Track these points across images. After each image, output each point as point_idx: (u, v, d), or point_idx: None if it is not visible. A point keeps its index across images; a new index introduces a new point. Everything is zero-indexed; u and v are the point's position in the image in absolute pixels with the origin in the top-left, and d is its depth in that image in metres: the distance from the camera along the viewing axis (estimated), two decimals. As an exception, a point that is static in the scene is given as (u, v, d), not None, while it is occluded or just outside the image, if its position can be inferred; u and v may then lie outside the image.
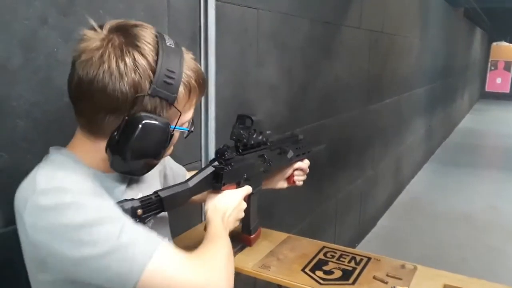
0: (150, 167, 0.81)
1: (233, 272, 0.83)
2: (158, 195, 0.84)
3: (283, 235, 1.44)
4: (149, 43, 0.72)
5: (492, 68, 11.96)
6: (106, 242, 0.68)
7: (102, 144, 0.77)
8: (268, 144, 1.12)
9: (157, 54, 0.72)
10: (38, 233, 0.68)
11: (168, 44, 0.74)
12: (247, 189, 1.04)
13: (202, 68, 1.57)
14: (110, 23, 0.74)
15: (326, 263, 1.28)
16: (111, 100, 0.70)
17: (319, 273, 1.22)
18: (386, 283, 1.17)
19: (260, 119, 1.04)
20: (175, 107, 0.75)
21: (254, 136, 1.05)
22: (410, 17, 4.40)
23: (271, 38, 1.99)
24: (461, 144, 7.69)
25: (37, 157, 1.04)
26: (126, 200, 0.78)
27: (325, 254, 1.34)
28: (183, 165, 1.57)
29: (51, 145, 1.07)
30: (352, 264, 1.28)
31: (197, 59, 1.56)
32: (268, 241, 1.38)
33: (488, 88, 12.25)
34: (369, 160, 3.69)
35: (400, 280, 1.17)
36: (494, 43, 12.18)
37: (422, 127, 5.71)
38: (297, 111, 2.32)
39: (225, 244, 0.87)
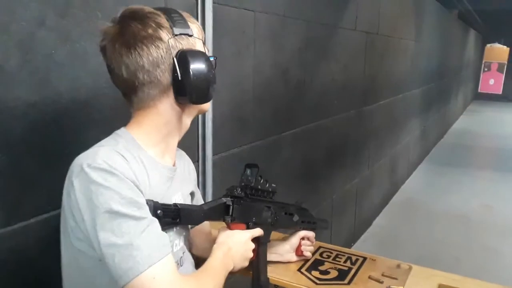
0: (213, 90, 0.94)
1: None
2: (177, 206, 0.92)
3: (279, 236, 1.45)
4: (148, 7, 0.88)
5: (486, 69, 12.01)
6: (122, 236, 0.76)
7: (165, 104, 0.90)
8: (273, 197, 1.18)
9: (159, 10, 0.88)
10: (79, 197, 0.78)
11: (158, 5, 0.93)
12: (256, 231, 1.10)
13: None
14: (115, 17, 0.88)
15: (322, 263, 1.29)
16: (157, 55, 0.85)
17: (315, 273, 1.23)
18: (382, 282, 1.18)
19: (264, 169, 1.15)
20: (196, 38, 0.91)
21: (261, 182, 1.13)
22: (405, 19, 4.43)
23: (268, 40, 2.00)
24: (456, 144, 7.74)
25: (34, 158, 1.05)
26: (152, 200, 0.85)
27: (321, 254, 1.34)
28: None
29: (48, 146, 1.08)
30: (348, 264, 1.29)
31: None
32: (265, 241, 1.39)
33: (481, 89, 12.28)
34: (365, 160, 3.71)
35: (396, 280, 1.18)
36: (488, 45, 12.24)
37: (417, 128, 5.74)
38: (294, 112, 2.33)
39: (216, 279, 0.93)
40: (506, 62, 11.69)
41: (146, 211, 0.81)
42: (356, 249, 3.20)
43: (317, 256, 1.33)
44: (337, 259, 1.32)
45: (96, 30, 1.05)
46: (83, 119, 1.15)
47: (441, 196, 4.87)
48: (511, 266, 3.31)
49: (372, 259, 1.31)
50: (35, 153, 1.05)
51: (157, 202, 0.87)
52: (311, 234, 1.33)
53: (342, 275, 1.22)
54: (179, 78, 0.86)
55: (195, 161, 1.64)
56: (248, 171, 1.12)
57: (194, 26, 0.91)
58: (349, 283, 1.19)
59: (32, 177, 1.05)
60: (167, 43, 0.85)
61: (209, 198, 1.70)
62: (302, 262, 1.29)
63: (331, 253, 1.36)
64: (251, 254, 1.07)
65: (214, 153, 1.69)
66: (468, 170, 6.07)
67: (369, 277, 1.21)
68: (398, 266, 1.26)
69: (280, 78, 2.15)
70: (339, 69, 2.87)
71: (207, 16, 1.55)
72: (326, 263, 1.29)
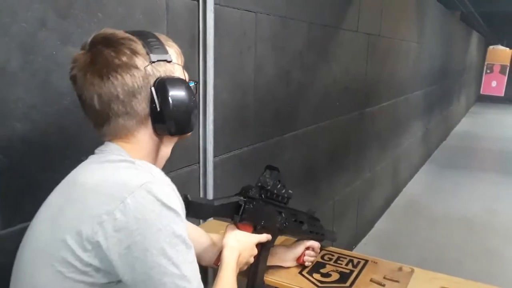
0: (196, 119, 0.88)
1: None
2: (187, 198, 0.90)
3: (281, 238, 1.44)
4: (122, 33, 0.81)
5: (488, 71, 11.99)
6: (178, 265, 0.72)
7: (143, 135, 0.84)
8: (287, 203, 1.17)
9: (133, 35, 0.81)
10: (134, 217, 0.70)
11: (132, 30, 0.85)
12: (263, 236, 1.09)
13: (201, 71, 1.58)
14: (85, 43, 0.81)
15: (323, 265, 1.29)
16: (133, 85, 0.79)
17: (316, 275, 1.23)
18: (383, 285, 1.17)
19: (285, 174, 1.14)
20: (175, 63, 0.85)
21: (278, 186, 1.11)
22: (407, 21, 4.42)
23: (270, 41, 2.00)
24: (458, 146, 7.71)
25: (35, 159, 1.04)
26: None
27: (322, 257, 1.34)
28: (181, 168, 1.57)
29: (49, 147, 1.08)
30: (350, 266, 1.28)
31: (196, 62, 1.57)
32: (266, 243, 1.39)
33: (483, 91, 12.27)
34: (367, 162, 3.70)
35: (397, 283, 1.18)
36: (491, 47, 12.23)
37: (419, 130, 5.73)
38: (295, 114, 2.33)
39: None
40: (508, 64, 11.67)
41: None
42: (358, 251, 3.19)
43: (318, 258, 1.33)
44: (339, 261, 1.31)
45: (96, 31, 1.05)
46: (84, 120, 1.15)
47: (444, 199, 4.85)
48: (513, 269, 3.30)
49: (374, 262, 1.31)
50: (36, 154, 1.05)
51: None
52: (316, 245, 1.32)
53: (343, 278, 1.22)
54: (158, 108, 0.81)
55: (196, 162, 1.64)
56: (268, 173, 1.10)
57: (173, 51, 0.86)
58: (350, 286, 1.18)
59: (33, 178, 1.05)
60: (144, 71, 0.79)
61: (210, 200, 1.69)
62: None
63: (333, 255, 1.35)
64: (252, 259, 1.06)
65: (215, 155, 1.69)
66: (471, 172, 6.05)
67: (371, 280, 1.20)
68: (400, 269, 1.26)
69: (281, 80, 2.15)
70: (341, 70, 2.86)
71: (208, 17, 1.55)
72: (327, 265, 1.29)
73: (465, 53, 10.01)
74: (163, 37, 0.86)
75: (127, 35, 0.81)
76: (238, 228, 1.04)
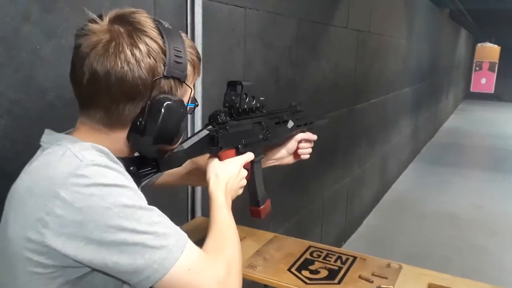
0: (173, 146, 0.81)
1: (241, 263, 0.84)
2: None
3: (269, 235, 1.44)
4: (152, 27, 0.73)
5: (477, 68, 12.12)
6: (145, 229, 0.67)
7: (118, 135, 0.76)
8: (264, 111, 1.10)
9: (162, 36, 0.73)
10: (77, 208, 0.65)
11: (166, 26, 0.76)
12: (247, 156, 1.01)
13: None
14: (108, 14, 0.74)
15: (312, 262, 1.29)
16: (131, 88, 0.71)
17: (305, 272, 1.23)
18: (372, 282, 1.17)
19: (251, 84, 1.04)
20: (186, 84, 0.78)
21: (247, 100, 1.02)
22: (397, 18, 4.44)
23: (259, 37, 1.99)
24: (446, 143, 7.79)
25: (19, 155, 1.02)
26: (120, 158, 0.76)
27: (311, 254, 1.34)
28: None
29: (33, 143, 1.06)
30: (338, 263, 1.28)
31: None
32: (255, 240, 1.38)
33: (473, 88, 12.40)
34: (356, 159, 3.71)
35: (386, 279, 1.18)
36: (479, 44, 12.34)
37: (408, 127, 5.77)
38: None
39: (233, 232, 0.86)
40: (497, 61, 11.80)
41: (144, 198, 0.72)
42: (347, 248, 3.21)
43: (307, 255, 1.33)
44: (328, 258, 1.31)
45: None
46: (69, 116, 1.12)
47: (432, 195, 4.90)
48: (500, 265, 3.34)
49: (363, 259, 1.31)
50: (19, 151, 1.03)
51: (126, 156, 0.78)
52: (309, 135, 1.28)
53: (332, 274, 1.22)
54: (141, 126, 0.73)
55: (184, 159, 1.62)
56: (232, 90, 1.01)
57: (190, 67, 0.78)
58: (339, 282, 1.18)
59: (17, 174, 1.02)
60: (150, 80, 0.71)
61: (198, 198, 1.68)
62: (292, 262, 1.28)
63: (321, 252, 1.35)
64: (245, 182, 0.99)
65: (204, 152, 1.67)
66: (459, 169, 6.11)
67: (359, 277, 1.20)
68: (388, 265, 1.26)
69: (270, 76, 2.14)
70: (330, 67, 2.86)
71: (196, 13, 1.53)
72: (316, 262, 1.29)
73: (454, 50, 10.10)
74: (188, 42, 0.79)
75: (155, 33, 0.73)
76: (220, 157, 0.96)
